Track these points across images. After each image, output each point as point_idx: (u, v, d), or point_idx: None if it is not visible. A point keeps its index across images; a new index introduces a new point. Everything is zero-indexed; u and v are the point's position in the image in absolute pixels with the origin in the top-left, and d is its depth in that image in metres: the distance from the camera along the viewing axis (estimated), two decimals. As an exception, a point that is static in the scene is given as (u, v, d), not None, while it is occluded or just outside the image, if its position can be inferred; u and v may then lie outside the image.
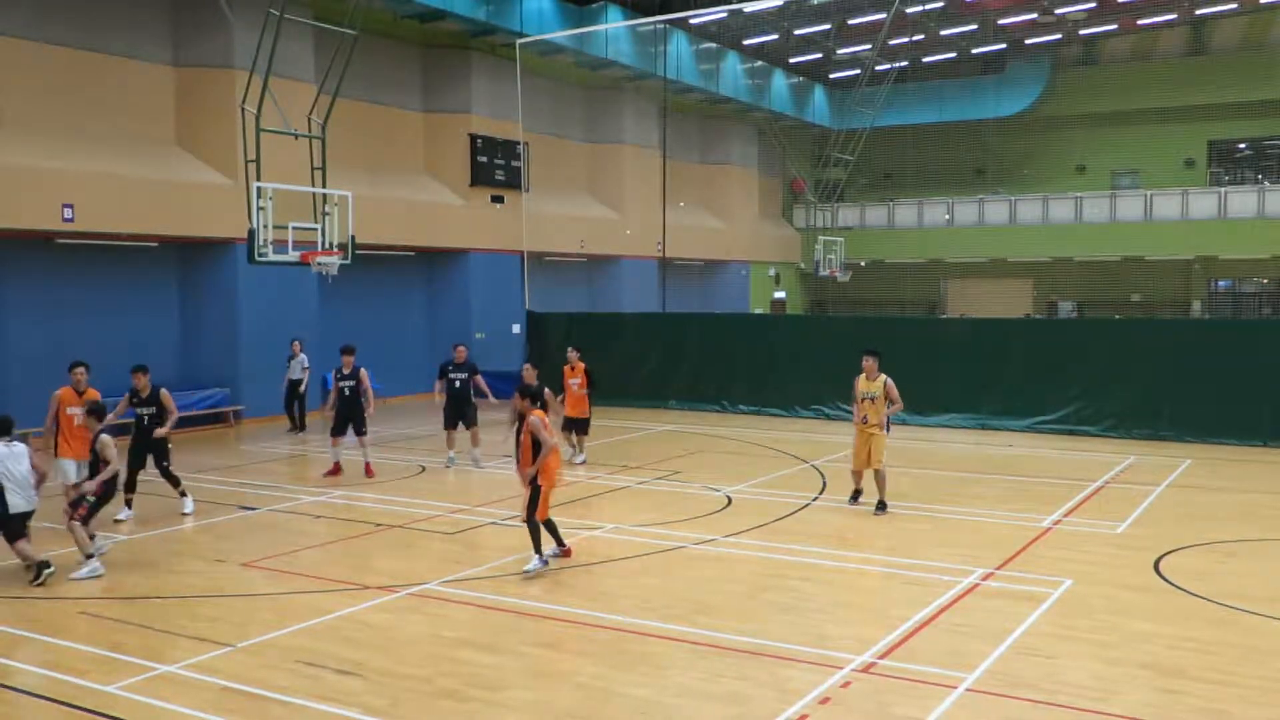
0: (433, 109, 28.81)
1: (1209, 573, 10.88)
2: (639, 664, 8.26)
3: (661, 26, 32.26)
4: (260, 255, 18.67)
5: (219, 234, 22.39)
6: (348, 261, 20.12)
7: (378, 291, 27.28)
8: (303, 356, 21.97)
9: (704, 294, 40.70)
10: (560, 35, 29.66)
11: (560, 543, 11.25)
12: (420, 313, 29.20)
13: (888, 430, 13.77)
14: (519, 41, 27.83)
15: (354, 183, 22.55)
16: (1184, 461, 17.74)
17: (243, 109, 19.20)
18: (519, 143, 29.53)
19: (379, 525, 13.22)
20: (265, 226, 18.60)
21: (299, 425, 22.02)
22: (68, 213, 19.87)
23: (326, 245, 19.75)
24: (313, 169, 20.20)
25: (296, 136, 19.94)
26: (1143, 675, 7.97)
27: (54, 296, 20.98)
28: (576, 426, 17.78)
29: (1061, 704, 7.38)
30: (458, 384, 17.51)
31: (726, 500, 14.66)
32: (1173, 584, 10.41)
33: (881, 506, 13.68)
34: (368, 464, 16.51)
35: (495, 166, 29.44)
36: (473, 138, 28.79)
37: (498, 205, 29.69)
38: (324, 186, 20.16)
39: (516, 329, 29.44)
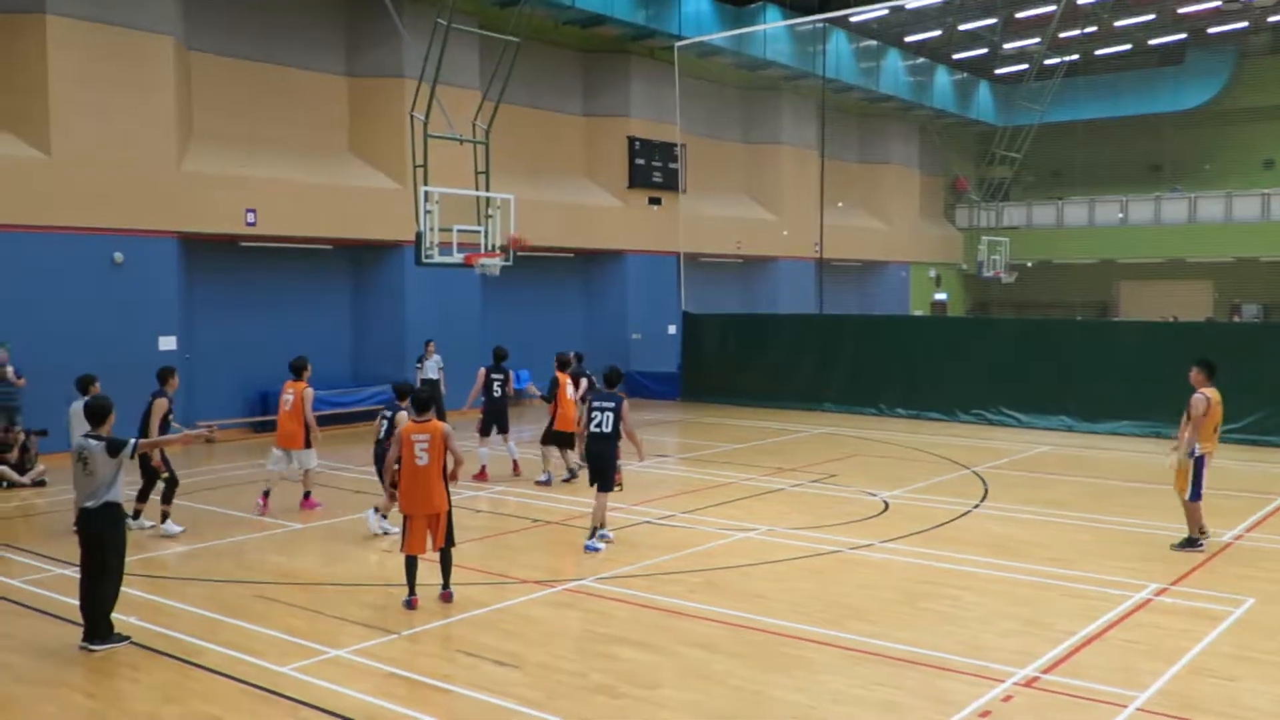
0: (592, 112, 29.27)
1: None
2: (793, 668, 8.21)
3: (821, 25, 31.91)
4: (427, 257, 19.24)
5: (388, 237, 23.27)
6: (509, 263, 20.49)
7: (537, 292, 27.85)
8: (437, 357, 21.56)
9: (862, 295, 40.07)
10: (718, 37, 29.67)
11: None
12: (578, 313, 29.65)
13: (1191, 455, 11.69)
14: (677, 44, 28.00)
15: (515, 185, 23.05)
16: (1382, 476, 16.57)
17: (411, 116, 19.91)
18: (676, 144, 29.70)
19: (536, 520, 13.51)
20: (432, 229, 19.16)
21: None
22: (250, 217, 21.03)
23: (489, 247, 20.22)
24: (476, 173, 20.77)
25: (461, 141, 20.53)
26: (1332, 703, 7.49)
27: (238, 295, 22.20)
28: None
29: (1241, 729, 7.01)
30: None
31: (884, 505, 14.42)
32: (1368, 607, 9.74)
33: (1187, 543, 11.87)
34: (514, 462, 16.83)
35: (653, 168, 29.71)
36: (631, 140, 29.11)
37: (655, 207, 29.93)
38: (487, 190, 20.69)
39: (672, 330, 29.61)
